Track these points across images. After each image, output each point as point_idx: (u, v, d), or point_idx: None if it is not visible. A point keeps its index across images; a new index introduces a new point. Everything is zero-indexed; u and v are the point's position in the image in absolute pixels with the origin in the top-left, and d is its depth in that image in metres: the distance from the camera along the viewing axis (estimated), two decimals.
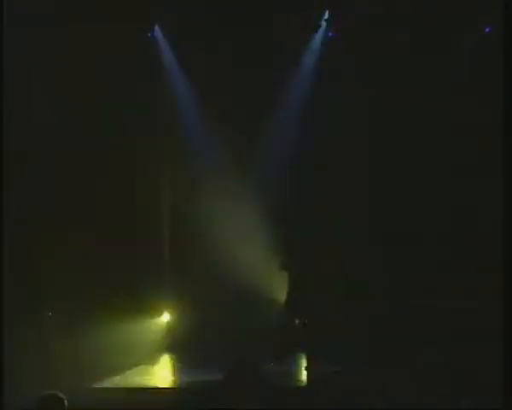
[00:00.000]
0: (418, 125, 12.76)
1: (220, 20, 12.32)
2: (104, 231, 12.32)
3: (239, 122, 12.90)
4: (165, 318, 13.15)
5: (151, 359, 11.65)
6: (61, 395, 6.37)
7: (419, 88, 12.54)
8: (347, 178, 12.89)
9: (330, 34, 12.81)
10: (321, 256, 12.78)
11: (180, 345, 12.43)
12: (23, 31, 12.02)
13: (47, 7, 11.82)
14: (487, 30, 12.36)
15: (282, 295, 12.08)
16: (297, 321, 11.95)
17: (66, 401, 6.36)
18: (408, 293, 12.27)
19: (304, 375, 10.33)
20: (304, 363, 10.82)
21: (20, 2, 11.28)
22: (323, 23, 12.65)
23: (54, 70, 12.28)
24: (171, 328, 13.03)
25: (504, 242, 7.58)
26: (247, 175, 13.11)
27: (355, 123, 12.80)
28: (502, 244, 7.74)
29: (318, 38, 12.90)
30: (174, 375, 11.14)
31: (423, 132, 12.75)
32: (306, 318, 11.73)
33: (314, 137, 13.02)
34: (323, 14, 12.58)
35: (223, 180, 13.06)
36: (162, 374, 11.21)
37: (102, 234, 12.28)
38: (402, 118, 12.68)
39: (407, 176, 12.79)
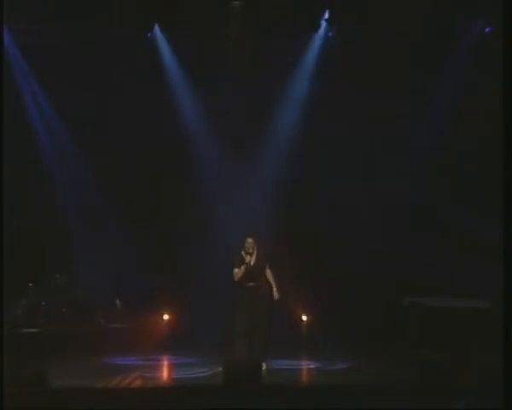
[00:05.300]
0: (418, 125, 12.87)
1: (219, 19, 12.33)
2: None
3: (239, 122, 12.93)
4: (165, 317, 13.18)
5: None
6: None
7: (418, 88, 12.62)
8: (346, 177, 12.95)
9: (330, 34, 12.83)
10: None
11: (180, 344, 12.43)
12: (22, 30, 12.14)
13: (47, 6, 11.86)
14: (487, 30, 12.40)
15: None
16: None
17: None
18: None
19: None
20: None
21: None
22: (323, 23, 12.66)
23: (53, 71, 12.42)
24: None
25: (504, 241, 7.60)
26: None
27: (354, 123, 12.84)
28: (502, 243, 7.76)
29: (318, 38, 12.91)
30: (174, 374, 11.14)
31: (423, 132, 12.84)
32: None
33: (314, 138, 13.08)
34: (323, 14, 12.58)
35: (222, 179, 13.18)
36: (162, 373, 11.22)
37: None
38: (401, 118, 12.73)
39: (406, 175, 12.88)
